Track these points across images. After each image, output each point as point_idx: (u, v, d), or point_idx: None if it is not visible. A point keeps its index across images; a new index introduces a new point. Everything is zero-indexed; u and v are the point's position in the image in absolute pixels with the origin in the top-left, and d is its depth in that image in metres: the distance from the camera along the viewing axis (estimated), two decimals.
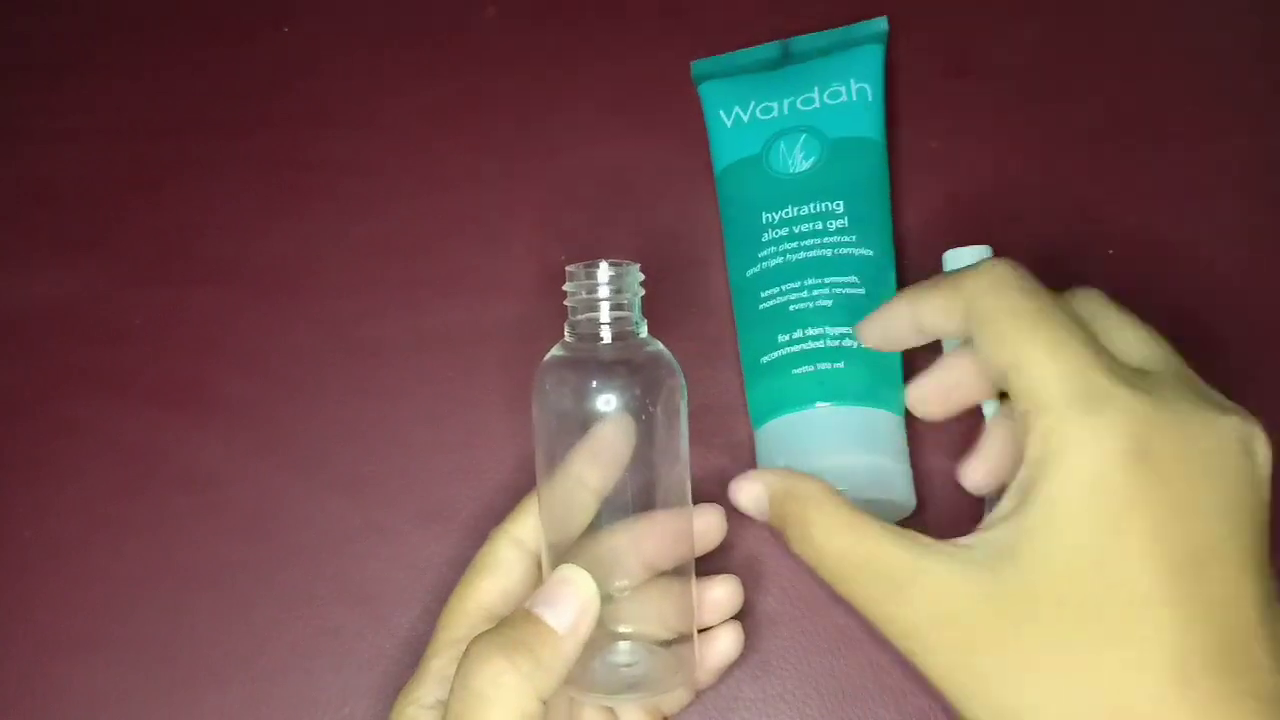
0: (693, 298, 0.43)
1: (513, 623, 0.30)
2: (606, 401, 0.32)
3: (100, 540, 0.41)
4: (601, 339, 0.32)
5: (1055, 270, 0.42)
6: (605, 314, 0.32)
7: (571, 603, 0.30)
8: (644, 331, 0.33)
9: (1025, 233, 0.43)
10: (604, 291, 0.32)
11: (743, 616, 0.38)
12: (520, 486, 0.35)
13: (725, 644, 0.35)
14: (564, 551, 0.33)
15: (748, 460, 0.40)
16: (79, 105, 0.48)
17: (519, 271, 0.44)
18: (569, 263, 0.32)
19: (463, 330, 0.43)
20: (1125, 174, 0.44)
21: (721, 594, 0.35)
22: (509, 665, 0.28)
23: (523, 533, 0.34)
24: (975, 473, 0.33)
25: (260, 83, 0.48)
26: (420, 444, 0.42)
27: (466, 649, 0.29)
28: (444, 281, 0.44)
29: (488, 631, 0.30)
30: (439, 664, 0.33)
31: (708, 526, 0.35)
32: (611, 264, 0.33)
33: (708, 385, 0.42)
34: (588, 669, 0.32)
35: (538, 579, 0.34)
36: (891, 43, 0.45)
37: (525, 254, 0.44)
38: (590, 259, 0.32)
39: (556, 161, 0.46)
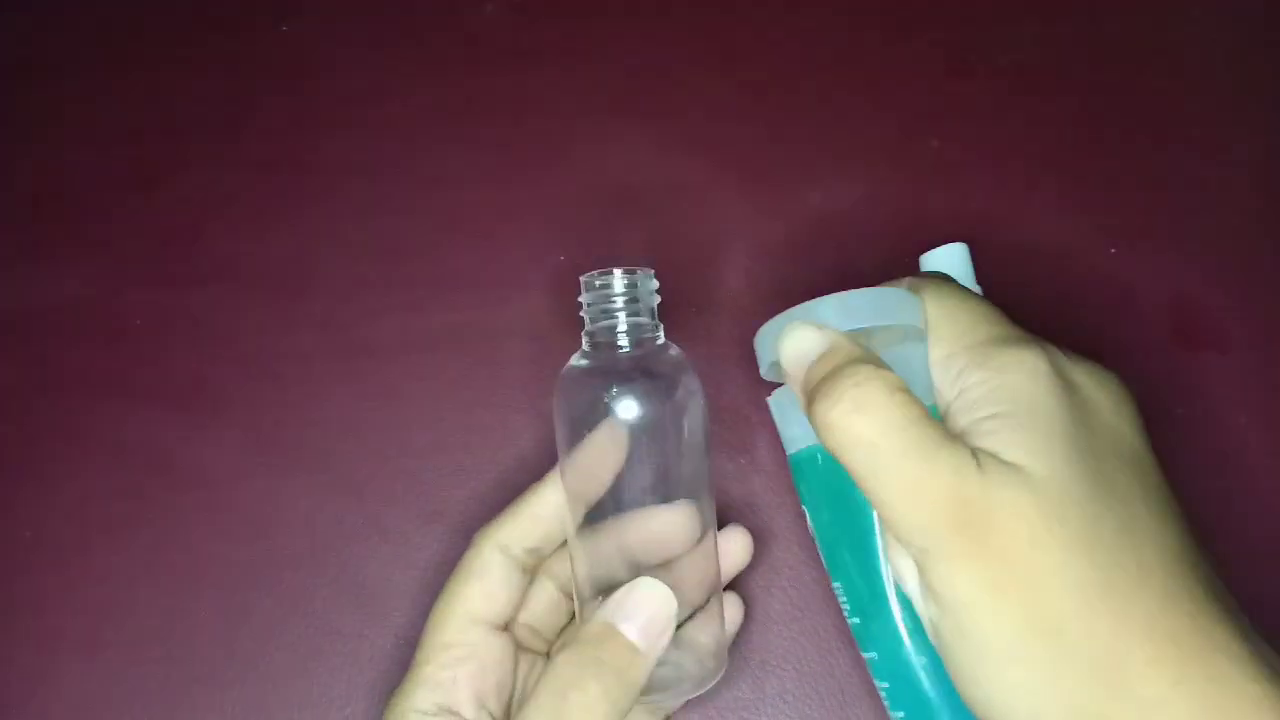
0: (700, 297, 0.43)
1: (597, 641, 0.30)
2: (628, 408, 0.32)
3: (100, 540, 0.41)
4: (620, 346, 0.32)
5: (1057, 268, 0.43)
6: (623, 321, 0.32)
7: (656, 620, 0.30)
8: (662, 337, 0.33)
9: (1025, 232, 0.43)
10: (620, 301, 0.32)
11: (743, 616, 0.38)
12: (520, 487, 0.35)
13: (730, 615, 0.36)
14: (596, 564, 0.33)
15: (760, 464, 0.40)
16: (79, 105, 0.48)
17: (519, 272, 0.44)
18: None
19: (462, 330, 0.43)
20: (1127, 172, 0.44)
21: (735, 546, 0.36)
22: (600, 692, 0.28)
23: (508, 537, 0.34)
24: None
25: (259, 82, 0.48)
26: (421, 444, 0.42)
27: (553, 666, 0.29)
28: (444, 282, 0.44)
29: (573, 649, 0.30)
30: (431, 670, 0.33)
31: (735, 549, 0.35)
32: (626, 271, 0.32)
33: (717, 391, 0.42)
34: None
35: (521, 582, 0.34)
36: (893, 42, 0.45)
37: (526, 254, 0.44)
38: (594, 259, 0.32)
39: (557, 159, 0.46)
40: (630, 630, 0.30)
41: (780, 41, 0.47)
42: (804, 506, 0.34)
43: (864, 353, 0.29)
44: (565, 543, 0.35)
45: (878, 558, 0.31)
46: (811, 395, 0.28)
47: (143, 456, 0.42)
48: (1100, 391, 0.29)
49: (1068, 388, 0.28)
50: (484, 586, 0.34)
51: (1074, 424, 0.28)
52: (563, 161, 0.46)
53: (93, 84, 0.48)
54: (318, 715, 0.39)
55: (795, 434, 0.34)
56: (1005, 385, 0.28)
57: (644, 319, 0.32)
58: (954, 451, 0.27)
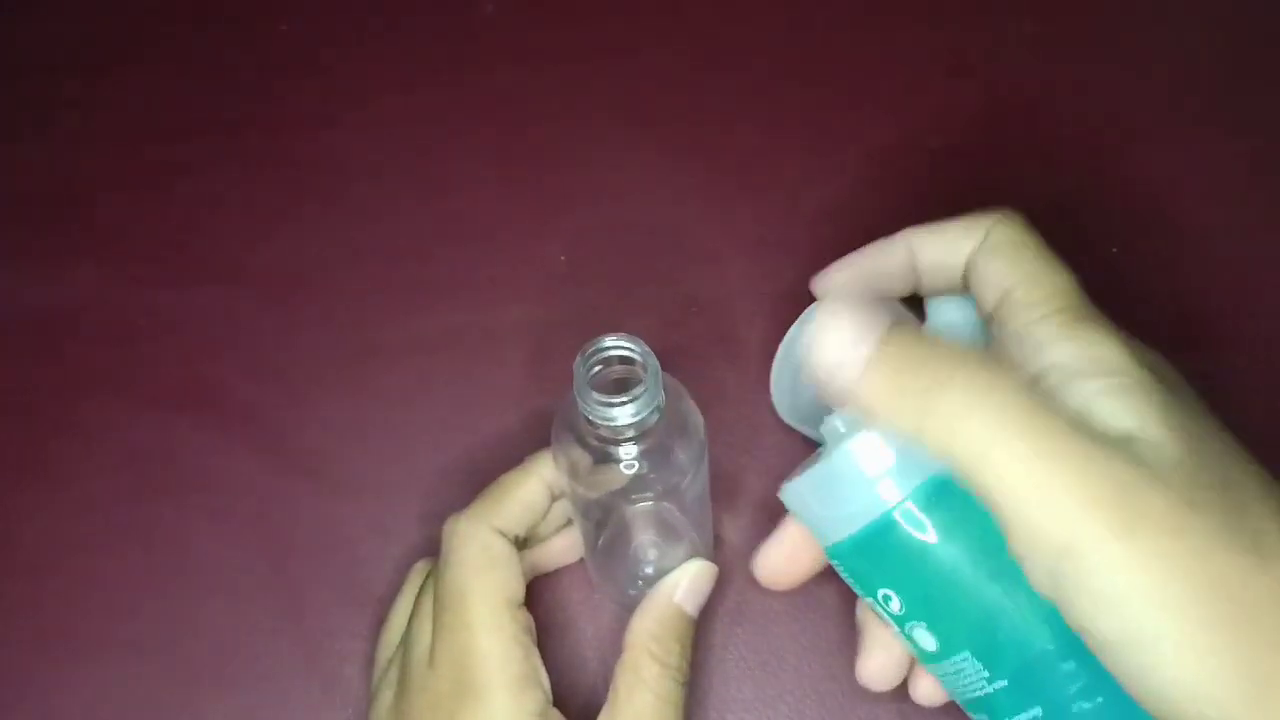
0: (696, 297, 0.43)
1: (664, 619, 0.34)
2: (630, 465, 0.32)
3: (101, 541, 0.41)
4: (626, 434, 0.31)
5: None
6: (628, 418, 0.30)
7: (704, 591, 0.36)
8: (661, 401, 0.30)
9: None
10: (627, 431, 0.30)
11: (743, 618, 0.38)
12: None
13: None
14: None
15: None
16: (80, 105, 0.48)
17: (519, 273, 0.44)
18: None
19: (463, 331, 0.43)
20: (1128, 170, 0.44)
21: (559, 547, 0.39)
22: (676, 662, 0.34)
23: (503, 524, 0.35)
24: (871, 670, 0.33)
25: (259, 82, 0.48)
26: (422, 446, 0.42)
27: (636, 656, 0.33)
28: (445, 283, 0.44)
29: (650, 639, 0.34)
30: (521, 670, 0.33)
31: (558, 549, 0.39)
32: (631, 399, 0.29)
33: (715, 388, 0.41)
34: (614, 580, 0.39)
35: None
36: (893, 42, 0.45)
37: (526, 255, 0.44)
38: (600, 326, 0.30)
39: (556, 160, 0.46)
40: (689, 606, 0.35)
41: (779, 43, 0.47)
42: (875, 593, 0.29)
43: (938, 341, 0.27)
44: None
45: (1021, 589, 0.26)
46: (912, 410, 0.26)
47: (145, 457, 0.42)
48: (1169, 370, 0.29)
49: (1152, 364, 0.28)
50: (509, 573, 0.34)
51: (1171, 393, 0.27)
52: (562, 162, 0.46)
53: (93, 84, 0.48)
54: (318, 716, 0.39)
55: (849, 512, 0.28)
56: (1102, 357, 0.27)
57: (648, 413, 0.30)
58: (1083, 434, 0.26)
